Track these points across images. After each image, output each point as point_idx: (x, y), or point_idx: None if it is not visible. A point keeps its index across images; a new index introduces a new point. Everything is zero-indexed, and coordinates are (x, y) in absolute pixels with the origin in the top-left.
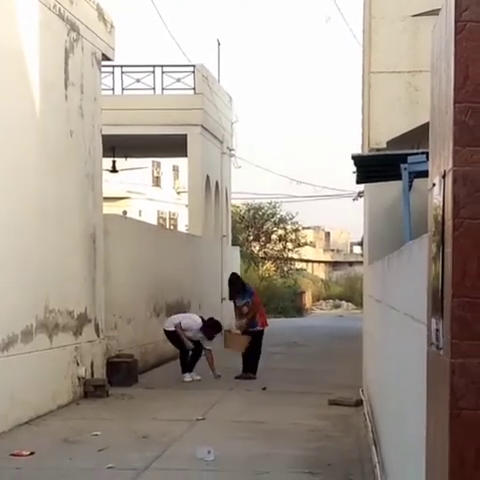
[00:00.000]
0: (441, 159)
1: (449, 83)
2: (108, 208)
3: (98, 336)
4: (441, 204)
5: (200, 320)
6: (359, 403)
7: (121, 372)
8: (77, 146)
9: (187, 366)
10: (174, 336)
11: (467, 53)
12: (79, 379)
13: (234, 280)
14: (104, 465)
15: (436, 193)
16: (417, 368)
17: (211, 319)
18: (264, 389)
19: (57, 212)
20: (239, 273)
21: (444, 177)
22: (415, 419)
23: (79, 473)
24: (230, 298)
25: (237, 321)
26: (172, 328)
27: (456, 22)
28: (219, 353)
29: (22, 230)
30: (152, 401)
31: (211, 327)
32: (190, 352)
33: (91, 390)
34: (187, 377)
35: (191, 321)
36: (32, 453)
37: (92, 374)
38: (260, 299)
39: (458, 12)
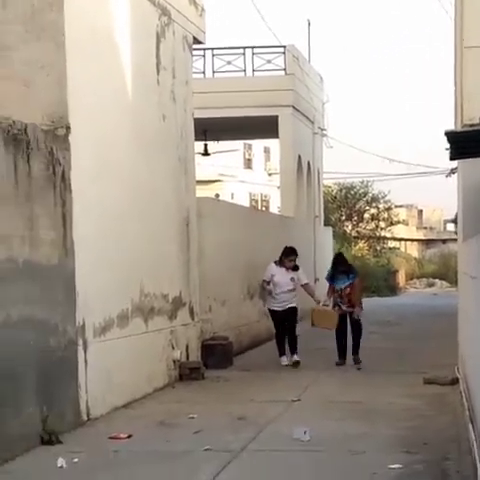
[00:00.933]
0: None
1: None
2: (201, 191)
3: (193, 319)
4: None
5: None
6: (455, 381)
7: (216, 355)
8: (169, 130)
9: (283, 348)
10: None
11: None
12: (174, 362)
13: (341, 258)
14: (201, 447)
15: None
16: None
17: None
18: (359, 369)
19: (150, 195)
20: (332, 253)
21: None
22: None
23: (176, 455)
24: (331, 278)
25: (329, 298)
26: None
27: None
28: (307, 334)
29: (116, 213)
30: (247, 383)
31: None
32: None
33: (186, 373)
34: (284, 360)
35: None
36: (130, 436)
37: (187, 357)
38: (361, 285)
39: None
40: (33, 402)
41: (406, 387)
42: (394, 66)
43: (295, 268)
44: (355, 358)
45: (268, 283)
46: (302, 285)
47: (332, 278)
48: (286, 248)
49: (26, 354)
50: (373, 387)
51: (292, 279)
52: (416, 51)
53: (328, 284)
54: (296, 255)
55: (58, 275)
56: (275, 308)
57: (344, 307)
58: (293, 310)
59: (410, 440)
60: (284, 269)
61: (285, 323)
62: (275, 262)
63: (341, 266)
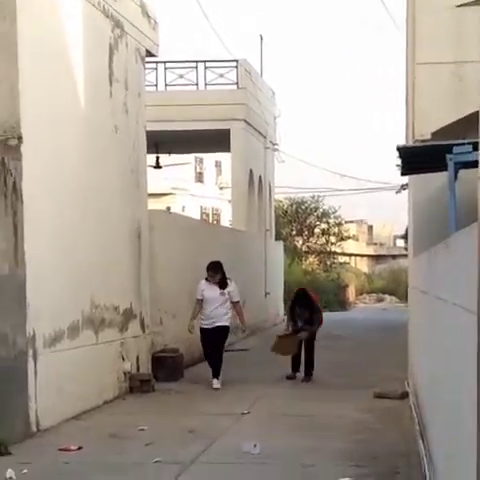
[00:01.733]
0: None
1: None
2: (152, 204)
3: (143, 331)
4: None
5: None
6: (405, 395)
7: (167, 367)
8: (122, 142)
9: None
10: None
11: None
12: (125, 374)
13: (303, 293)
14: (151, 459)
15: None
16: (468, 358)
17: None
18: (307, 382)
19: (101, 207)
20: (282, 268)
21: None
22: (467, 409)
23: (127, 467)
24: (292, 315)
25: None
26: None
27: None
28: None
29: (68, 224)
30: (198, 396)
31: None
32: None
33: (137, 385)
34: (215, 383)
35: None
36: (80, 448)
37: (138, 369)
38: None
39: None
40: None
41: (356, 401)
42: (348, 82)
43: (224, 284)
44: (307, 373)
45: (201, 301)
46: (232, 302)
47: (293, 314)
48: (209, 263)
49: None
50: (323, 401)
51: (222, 294)
52: (370, 67)
53: (286, 319)
54: (219, 270)
55: (8, 285)
56: (203, 326)
57: (300, 324)
58: (222, 329)
59: (359, 453)
60: (214, 285)
61: (213, 342)
62: (206, 278)
63: (302, 299)
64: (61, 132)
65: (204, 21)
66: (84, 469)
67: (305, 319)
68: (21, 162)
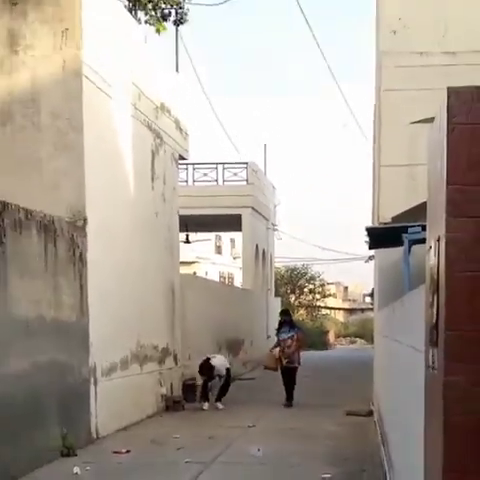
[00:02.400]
0: (436, 227)
1: (443, 171)
2: (183, 270)
3: (176, 364)
4: (436, 261)
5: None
6: (370, 413)
7: (193, 391)
8: (161, 223)
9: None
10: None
11: (456, 148)
12: (162, 396)
13: (287, 312)
14: (182, 460)
15: (432, 253)
16: (417, 386)
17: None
18: (289, 406)
19: (146, 271)
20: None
21: (439, 241)
22: (416, 423)
23: (164, 466)
24: (278, 329)
25: (276, 349)
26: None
27: (448, 125)
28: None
29: (120, 284)
30: (217, 413)
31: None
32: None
33: (171, 405)
34: (205, 406)
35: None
36: (128, 451)
37: (171, 392)
38: (303, 338)
39: (450, 118)
40: (56, 425)
41: (333, 417)
42: (329, 177)
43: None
44: (288, 400)
45: None
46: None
47: (278, 329)
48: None
49: (51, 389)
50: (308, 417)
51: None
52: (343, 164)
53: (276, 339)
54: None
55: (75, 330)
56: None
57: (285, 362)
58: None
59: (335, 456)
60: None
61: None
62: None
63: (285, 316)
64: (116, 216)
65: (223, 133)
66: (132, 467)
67: (288, 344)
68: (86, 238)
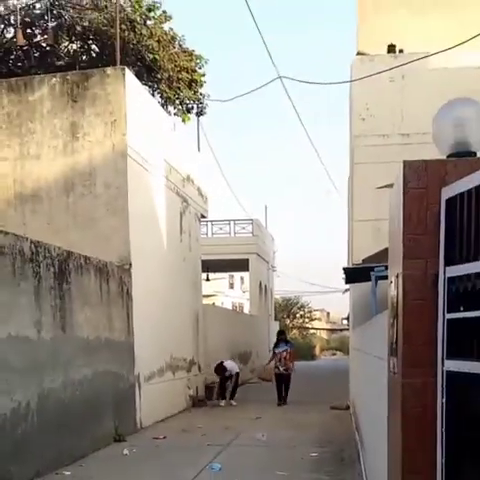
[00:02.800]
0: (396, 266)
1: (400, 224)
2: (204, 301)
3: (200, 372)
4: (396, 292)
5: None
6: (348, 407)
7: (214, 393)
8: (188, 266)
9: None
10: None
11: (410, 207)
12: (190, 396)
13: (283, 332)
14: (205, 443)
15: (393, 286)
16: (381, 386)
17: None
18: (284, 404)
19: (176, 303)
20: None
21: (397, 277)
22: (381, 415)
23: (192, 448)
24: (275, 345)
25: (270, 363)
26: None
27: (404, 189)
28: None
29: (157, 313)
30: (232, 409)
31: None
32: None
33: (197, 403)
34: (222, 403)
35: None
36: (165, 437)
37: (197, 393)
38: (295, 352)
39: (405, 184)
40: (110, 418)
41: (320, 411)
42: (316, 229)
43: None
44: (284, 398)
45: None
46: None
47: (275, 345)
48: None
49: (106, 391)
50: (301, 411)
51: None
52: (328, 220)
53: (272, 353)
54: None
55: (124, 347)
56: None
57: (281, 369)
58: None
59: (321, 439)
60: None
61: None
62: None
63: (281, 335)
64: (153, 261)
65: (231, 194)
66: (167, 449)
67: (284, 356)
68: (131, 278)
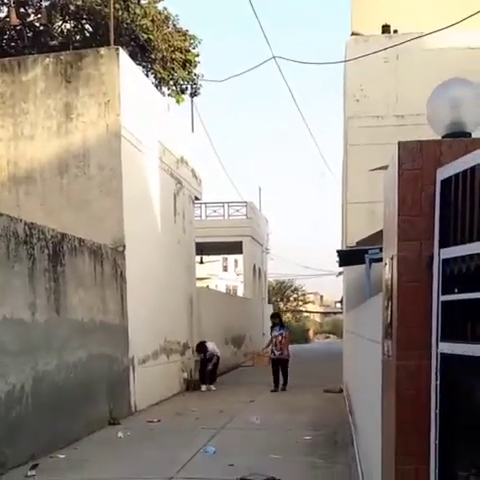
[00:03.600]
0: (390, 249)
1: (394, 205)
2: (198, 284)
3: (193, 355)
4: (390, 275)
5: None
6: (341, 391)
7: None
8: (182, 249)
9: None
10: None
11: (404, 189)
12: (184, 379)
13: (277, 315)
14: (199, 426)
15: (387, 269)
16: (375, 369)
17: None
18: (284, 390)
19: (171, 285)
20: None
21: (392, 259)
22: (375, 398)
23: (186, 431)
24: (271, 328)
25: (267, 347)
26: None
27: (398, 170)
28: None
29: (151, 295)
30: (224, 392)
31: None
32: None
33: (191, 386)
34: (203, 387)
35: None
36: (159, 420)
37: (191, 377)
38: (289, 335)
39: (400, 165)
40: (104, 401)
41: (314, 394)
42: (311, 212)
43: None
44: (284, 386)
45: None
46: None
47: (271, 328)
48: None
49: (101, 374)
50: (295, 394)
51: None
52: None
53: (270, 337)
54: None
55: (119, 330)
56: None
57: (277, 354)
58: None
59: (316, 422)
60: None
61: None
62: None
63: (275, 319)
64: (147, 243)
65: (225, 175)
66: (162, 432)
67: (280, 340)
68: (125, 260)
